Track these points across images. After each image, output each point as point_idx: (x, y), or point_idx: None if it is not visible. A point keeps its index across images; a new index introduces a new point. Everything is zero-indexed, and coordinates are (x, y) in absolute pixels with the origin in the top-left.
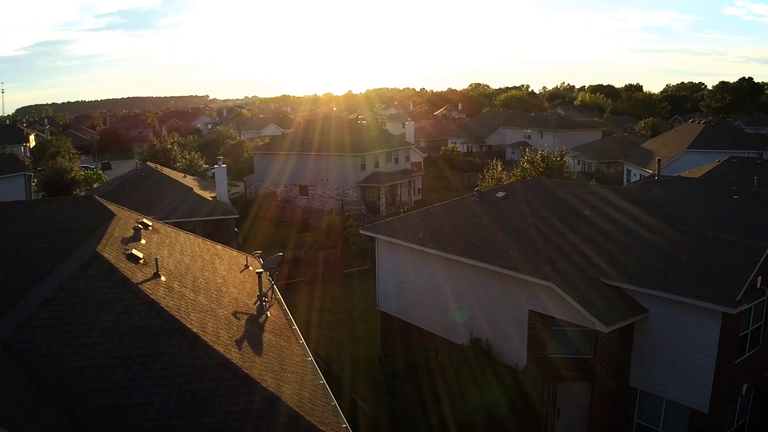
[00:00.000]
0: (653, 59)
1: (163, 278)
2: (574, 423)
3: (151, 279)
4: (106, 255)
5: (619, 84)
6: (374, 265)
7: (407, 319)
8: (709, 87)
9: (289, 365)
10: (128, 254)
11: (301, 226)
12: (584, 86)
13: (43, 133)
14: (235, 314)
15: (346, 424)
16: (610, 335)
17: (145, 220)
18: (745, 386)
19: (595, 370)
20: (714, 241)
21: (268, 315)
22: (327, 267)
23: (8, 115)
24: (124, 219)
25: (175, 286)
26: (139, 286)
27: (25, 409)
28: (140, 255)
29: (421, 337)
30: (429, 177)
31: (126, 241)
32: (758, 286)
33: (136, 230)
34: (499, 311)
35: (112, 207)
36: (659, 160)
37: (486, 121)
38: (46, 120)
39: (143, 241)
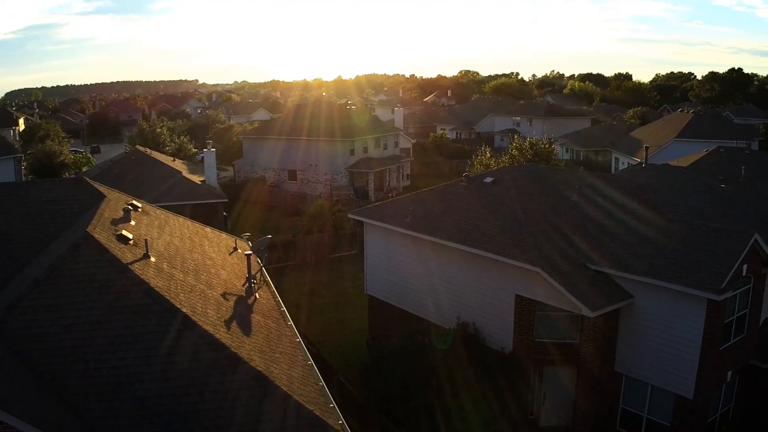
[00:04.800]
0: (643, 49)
1: (152, 259)
2: (560, 407)
3: (140, 260)
4: (96, 236)
5: (608, 73)
6: (362, 250)
7: (395, 303)
8: (699, 77)
9: (277, 346)
10: (118, 235)
11: (291, 210)
12: (574, 75)
13: (33, 116)
14: (224, 295)
15: (333, 404)
16: (596, 320)
17: (134, 202)
18: (729, 373)
19: (580, 354)
20: (700, 228)
21: (257, 296)
22: (316, 251)
23: None
24: (114, 200)
25: (165, 266)
26: (129, 266)
27: (16, 389)
28: (130, 236)
29: (408, 321)
30: (418, 163)
31: (116, 222)
32: (744, 273)
33: (126, 212)
34: (486, 296)
35: (102, 188)
36: (647, 149)
37: (475, 108)
38: (35, 104)
39: (133, 223)
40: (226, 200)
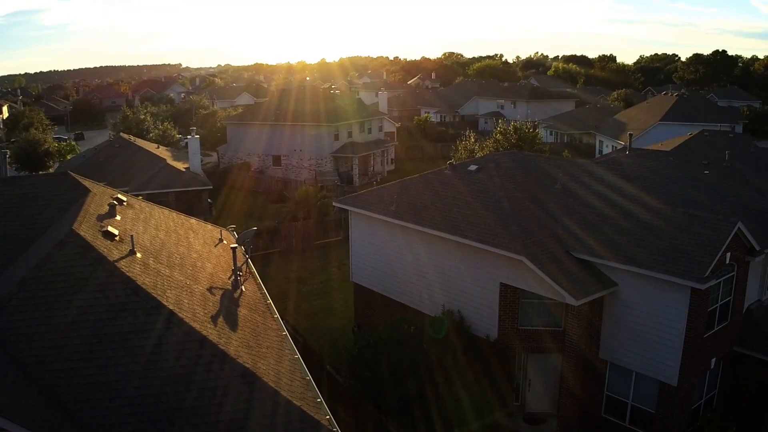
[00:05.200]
0: (627, 30)
1: (138, 255)
2: (546, 393)
3: (127, 256)
4: (82, 233)
5: (592, 54)
6: (348, 236)
7: (380, 291)
8: (683, 59)
9: (264, 340)
10: (104, 231)
11: (275, 196)
12: (558, 56)
13: (16, 104)
14: (210, 290)
15: (320, 399)
16: (581, 308)
17: (119, 196)
18: (713, 360)
19: (565, 342)
20: (684, 216)
21: (243, 290)
22: (301, 238)
23: None
24: (99, 195)
25: (151, 262)
26: (116, 263)
27: (6, 389)
28: (116, 232)
29: (394, 309)
30: (402, 147)
31: (101, 218)
32: (727, 261)
33: (111, 206)
34: (470, 284)
35: (86, 183)
36: (631, 135)
37: (459, 91)
38: (18, 91)
39: (118, 217)
40: (211, 187)
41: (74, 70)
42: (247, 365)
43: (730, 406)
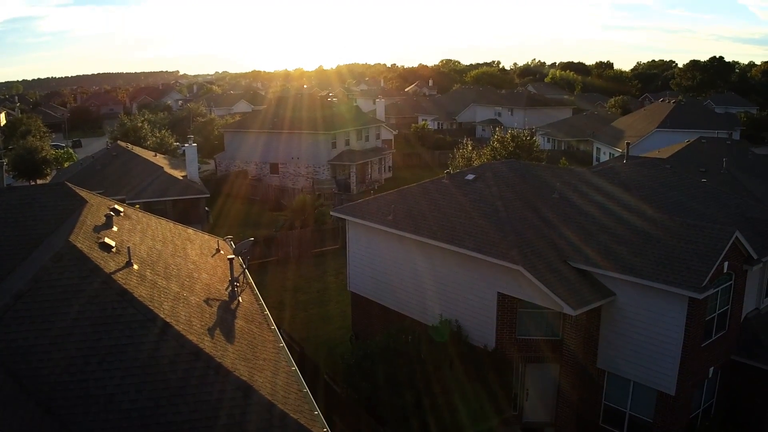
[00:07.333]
0: (624, 36)
1: (135, 267)
2: (543, 403)
3: (123, 268)
4: (78, 245)
5: (589, 61)
6: (345, 244)
7: (377, 300)
8: (680, 65)
9: (261, 352)
10: (100, 243)
11: (273, 204)
12: (555, 63)
13: (14, 110)
14: (207, 301)
15: (317, 411)
16: (578, 318)
17: (116, 206)
18: (711, 369)
19: (563, 351)
20: (681, 225)
21: (240, 300)
22: (298, 246)
23: None
24: (96, 206)
25: (148, 274)
26: (112, 275)
27: (2, 402)
28: (112, 243)
29: (391, 318)
30: (400, 154)
31: (98, 229)
32: (725, 270)
33: (108, 217)
34: (468, 293)
35: (83, 193)
36: (628, 144)
37: (457, 98)
38: (16, 97)
39: (115, 228)
40: (208, 195)
41: (72, 77)
42: (243, 378)
43: (728, 414)
